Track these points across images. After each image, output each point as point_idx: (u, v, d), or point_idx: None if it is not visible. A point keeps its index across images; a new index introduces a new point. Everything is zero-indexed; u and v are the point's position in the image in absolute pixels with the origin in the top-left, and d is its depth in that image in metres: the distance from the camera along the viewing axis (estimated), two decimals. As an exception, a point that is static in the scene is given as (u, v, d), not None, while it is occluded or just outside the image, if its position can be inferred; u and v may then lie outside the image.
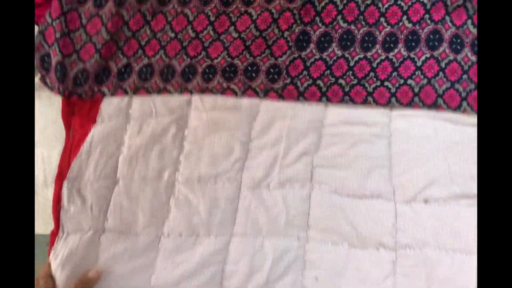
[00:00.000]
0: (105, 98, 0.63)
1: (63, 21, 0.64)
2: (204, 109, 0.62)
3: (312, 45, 0.62)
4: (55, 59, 0.63)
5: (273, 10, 0.64)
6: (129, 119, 0.62)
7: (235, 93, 0.62)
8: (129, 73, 0.64)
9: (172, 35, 0.65)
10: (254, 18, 0.64)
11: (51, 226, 0.61)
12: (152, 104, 0.63)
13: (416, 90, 0.60)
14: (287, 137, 0.60)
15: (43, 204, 0.64)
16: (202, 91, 0.63)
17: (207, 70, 0.63)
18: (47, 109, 0.66)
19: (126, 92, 0.63)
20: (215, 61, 0.63)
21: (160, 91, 0.63)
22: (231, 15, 0.65)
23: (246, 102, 0.62)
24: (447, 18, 0.61)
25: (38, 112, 0.65)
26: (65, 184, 0.60)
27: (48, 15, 0.64)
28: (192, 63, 0.63)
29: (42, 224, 0.63)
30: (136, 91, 0.63)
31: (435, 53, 0.60)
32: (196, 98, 0.63)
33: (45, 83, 0.64)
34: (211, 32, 0.64)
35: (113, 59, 0.64)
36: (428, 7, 0.62)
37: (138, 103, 0.63)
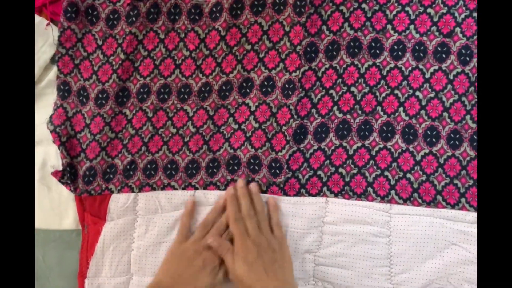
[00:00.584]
0: (113, 195, 0.65)
1: (68, 125, 0.66)
2: (208, 203, 0.64)
3: (309, 136, 0.64)
4: (63, 161, 0.65)
5: (272, 104, 0.64)
6: (136, 216, 0.65)
7: None
8: (134, 170, 0.65)
9: (174, 130, 0.66)
10: (252, 109, 0.65)
11: (66, 220, 0.68)
12: (157, 202, 0.65)
13: (415, 186, 0.61)
14: (290, 237, 0.62)
15: (57, 199, 0.68)
16: (206, 186, 0.65)
17: (210, 164, 0.65)
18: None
19: (132, 190, 0.65)
20: (217, 153, 0.65)
21: (164, 187, 0.65)
22: (229, 107, 0.66)
23: None
24: (445, 114, 0.61)
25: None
26: (86, 283, 0.64)
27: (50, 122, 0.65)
28: (195, 158, 0.65)
29: (58, 219, 0.68)
30: (141, 188, 0.65)
31: (434, 149, 0.61)
32: (199, 193, 0.65)
33: (58, 179, 0.66)
34: (211, 126, 0.66)
35: (118, 156, 0.65)
36: (423, 103, 0.62)
37: (144, 199, 0.65)
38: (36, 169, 0.68)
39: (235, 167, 0.64)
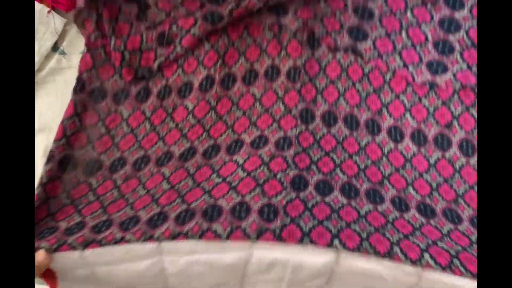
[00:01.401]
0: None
1: None
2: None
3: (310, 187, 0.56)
4: None
5: (264, 156, 0.57)
6: None
7: (218, 236, 0.50)
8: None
9: (144, 192, 0.57)
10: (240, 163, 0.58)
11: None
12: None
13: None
14: None
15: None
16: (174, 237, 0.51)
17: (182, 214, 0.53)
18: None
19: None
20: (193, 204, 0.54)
21: (117, 242, 0.50)
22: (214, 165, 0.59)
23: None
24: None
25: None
26: None
27: None
28: (163, 210, 0.53)
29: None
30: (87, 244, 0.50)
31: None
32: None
33: None
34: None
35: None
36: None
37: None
38: (38, 156, 0.68)
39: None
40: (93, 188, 0.57)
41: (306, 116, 0.60)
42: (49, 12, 0.69)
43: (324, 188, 0.55)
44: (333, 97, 0.62)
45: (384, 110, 0.62)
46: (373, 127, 0.61)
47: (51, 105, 0.70)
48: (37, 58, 0.70)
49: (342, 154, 0.59)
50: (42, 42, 0.70)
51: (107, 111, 0.62)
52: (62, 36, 0.72)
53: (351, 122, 0.61)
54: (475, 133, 0.60)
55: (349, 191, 0.56)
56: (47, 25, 0.70)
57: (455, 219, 0.55)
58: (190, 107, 0.63)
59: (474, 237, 0.52)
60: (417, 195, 0.56)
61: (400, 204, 0.55)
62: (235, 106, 0.63)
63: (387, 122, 0.61)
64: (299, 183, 0.54)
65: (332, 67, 0.63)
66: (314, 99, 0.62)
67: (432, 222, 0.54)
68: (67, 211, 0.55)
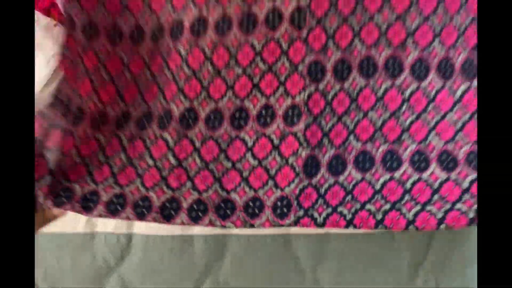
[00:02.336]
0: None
1: None
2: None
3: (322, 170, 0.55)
4: None
5: (273, 137, 0.56)
6: None
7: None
8: None
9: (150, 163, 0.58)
10: (249, 145, 0.56)
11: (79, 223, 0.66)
12: None
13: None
14: None
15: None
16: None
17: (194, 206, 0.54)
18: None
19: None
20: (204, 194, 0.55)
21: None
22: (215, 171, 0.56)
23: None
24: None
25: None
26: None
27: None
28: (175, 196, 0.55)
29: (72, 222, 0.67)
30: None
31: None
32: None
33: None
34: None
35: None
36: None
37: None
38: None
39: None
40: (102, 147, 0.56)
41: (316, 72, 0.55)
42: (55, 25, 0.69)
43: (336, 165, 0.53)
44: (346, 40, 0.55)
45: (409, 41, 0.54)
46: (394, 67, 0.55)
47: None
48: (46, 72, 0.69)
49: (356, 114, 0.54)
50: (50, 55, 0.69)
51: (106, 52, 0.58)
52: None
53: (368, 67, 0.55)
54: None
55: (363, 162, 0.53)
56: (55, 38, 0.69)
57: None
58: (183, 53, 0.57)
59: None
60: (440, 142, 0.52)
61: (420, 162, 0.53)
62: (233, 60, 0.57)
63: (411, 56, 0.54)
64: (311, 166, 0.53)
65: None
66: (324, 46, 0.55)
67: (453, 175, 0.51)
68: (79, 172, 0.54)
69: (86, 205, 0.53)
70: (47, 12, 0.69)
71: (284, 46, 0.56)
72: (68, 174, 0.54)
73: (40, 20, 0.68)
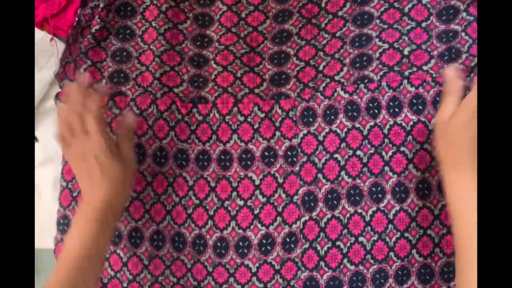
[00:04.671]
0: None
1: None
2: None
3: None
4: None
5: (273, 262, 0.64)
6: None
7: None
8: None
9: (174, 280, 0.65)
10: (253, 271, 0.64)
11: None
12: None
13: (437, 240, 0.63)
14: None
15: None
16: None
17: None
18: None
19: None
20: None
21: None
22: (227, 266, 0.65)
23: None
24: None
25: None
26: None
27: None
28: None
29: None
30: None
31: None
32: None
33: None
34: (212, 283, 0.65)
35: None
36: (436, 240, 0.63)
37: None
38: (48, 189, 0.69)
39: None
40: (124, 263, 0.64)
41: (309, 201, 0.64)
42: (51, 40, 0.66)
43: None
44: (334, 174, 0.64)
45: (387, 168, 0.63)
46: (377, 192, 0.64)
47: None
48: (41, 86, 0.68)
49: (348, 239, 0.64)
50: (46, 70, 0.68)
51: None
52: (65, 63, 0.69)
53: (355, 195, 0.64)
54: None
55: (356, 282, 0.63)
56: (50, 52, 0.67)
57: None
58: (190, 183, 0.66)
59: None
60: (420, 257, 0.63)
61: (402, 276, 0.63)
62: (235, 193, 0.65)
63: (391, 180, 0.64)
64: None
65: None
66: (314, 179, 0.64)
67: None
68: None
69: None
70: (40, 26, 0.67)
71: (280, 179, 0.64)
72: None
73: (36, 33, 0.66)
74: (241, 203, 0.65)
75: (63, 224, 0.65)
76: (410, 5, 0.63)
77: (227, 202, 0.65)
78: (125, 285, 0.64)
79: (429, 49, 0.62)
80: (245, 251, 0.64)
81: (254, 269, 0.64)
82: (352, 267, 0.63)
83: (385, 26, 0.64)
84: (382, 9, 0.64)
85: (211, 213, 0.65)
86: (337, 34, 0.65)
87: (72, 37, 0.66)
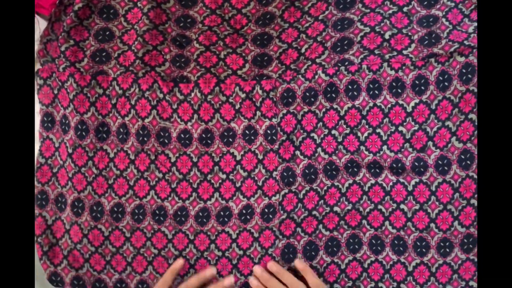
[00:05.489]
0: None
1: (49, 234, 0.68)
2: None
3: (299, 255, 0.66)
4: (47, 270, 0.68)
5: (252, 230, 0.66)
6: None
7: None
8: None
9: (155, 251, 0.67)
10: (233, 237, 0.66)
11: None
12: None
13: (409, 215, 0.65)
14: None
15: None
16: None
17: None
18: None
19: None
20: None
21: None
22: (208, 233, 0.67)
23: None
24: (432, 225, 0.64)
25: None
26: None
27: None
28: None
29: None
30: None
31: (425, 259, 0.64)
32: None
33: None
34: (193, 250, 0.67)
35: (104, 271, 0.67)
36: (409, 215, 0.64)
37: None
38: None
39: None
40: (106, 236, 0.67)
41: (288, 177, 0.66)
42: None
43: (310, 250, 0.65)
44: (310, 150, 0.66)
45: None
46: (353, 168, 0.66)
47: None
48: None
49: (324, 209, 0.66)
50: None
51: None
52: (47, 41, 0.68)
53: (331, 170, 0.66)
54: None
55: (332, 247, 0.66)
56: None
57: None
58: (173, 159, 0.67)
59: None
60: (392, 230, 0.65)
61: (377, 246, 0.65)
62: (216, 167, 0.67)
63: (366, 159, 0.65)
64: (288, 253, 0.65)
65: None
66: (292, 156, 0.66)
67: (401, 258, 0.64)
68: (99, 261, 0.67)
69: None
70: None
71: (260, 156, 0.66)
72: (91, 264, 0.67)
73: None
74: (224, 176, 0.67)
75: (41, 198, 0.67)
76: None
77: (209, 176, 0.67)
78: (108, 258, 0.66)
79: (409, 34, 0.63)
80: (226, 219, 0.66)
81: (234, 236, 0.66)
82: (327, 233, 0.65)
83: (367, 10, 0.64)
84: None
85: (195, 186, 0.66)
86: (320, 17, 0.65)
87: (55, 15, 0.67)
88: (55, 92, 0.67)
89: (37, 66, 0.68)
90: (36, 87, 0.67)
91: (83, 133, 0.65)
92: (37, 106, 0.68)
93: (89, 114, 0.65)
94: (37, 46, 0.67)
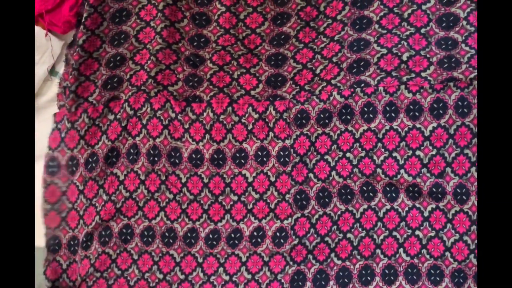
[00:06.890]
0: None
1: (65, 277, 0.66)
2: None
3: (308, 284, 0.64)
4: None
5: (262, 254, 0.64)
6: None
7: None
8: None
9: (160, 276, 0.65)
10: (243, 260, 0.65)
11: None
12: None
13: (424, 242, 0.63)
14: None
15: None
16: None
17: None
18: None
19: None
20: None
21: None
22: (218, 256, 0.65)
23: None
24: (447, 253, 0.62)
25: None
26: None
27: None
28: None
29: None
30: None
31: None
32: None
33: None
34: (200, 275, 0.65)
35: None
36: (424, 242, 0.63)
37: None
38: (37, 186, 0.67)
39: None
40: (113, 259, 0.65)
41: (301, 200, 0.65)
42: (46, 35, 0.66)
43: (320, 279, 0.63)
44: (325, 172, 0.65)
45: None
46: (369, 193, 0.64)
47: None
48: (35, 82, 0.67)
49: (337, 235, 0.64)
50: (39, 65, 0.67)
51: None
52: (59, 59, 0.69)
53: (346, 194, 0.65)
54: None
55: (343, 278, 0.63)
56: (44, 48, 0.66)
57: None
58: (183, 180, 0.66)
59: None
60: (406, 257, 0.63)
61: (390, 275, 0.63)
62: (228, 188, 0.66)
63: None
64: (297, 280, 0.63)
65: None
66: (305, 178, 0.65)
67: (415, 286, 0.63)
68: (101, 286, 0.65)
69: None
70: (35, 22, 0.66)
71: (272, 178, 0.65)
72: None
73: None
74: (235, 198, 0.65)
75: (54, 244, 0.65)
76: (409, 11, 0.63)
77: (221, 197, 0.65)
78: (111, 282, 0.65)
79: (428, 56, 0.62)
80: (236, 242, 0.64)
81: (244, 259, 0.64)
82: (339, 262, 0.64)
83: (384, 31, 0.63)
84: (382, 13, 0.63)
85: (206, 207, 0.65)
86: (335, 38, 0.64)
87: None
88: (62, 135, 0.65)
89: (50, 85, 0.68)
90: (50, 130, 0.66)
91: (93, 165, 0.65)
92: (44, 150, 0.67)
93: (100, 144, 0.65)
94: (49, 65, 0.67)
